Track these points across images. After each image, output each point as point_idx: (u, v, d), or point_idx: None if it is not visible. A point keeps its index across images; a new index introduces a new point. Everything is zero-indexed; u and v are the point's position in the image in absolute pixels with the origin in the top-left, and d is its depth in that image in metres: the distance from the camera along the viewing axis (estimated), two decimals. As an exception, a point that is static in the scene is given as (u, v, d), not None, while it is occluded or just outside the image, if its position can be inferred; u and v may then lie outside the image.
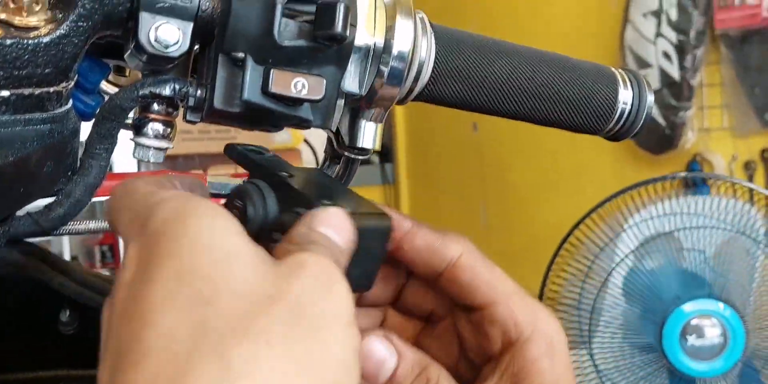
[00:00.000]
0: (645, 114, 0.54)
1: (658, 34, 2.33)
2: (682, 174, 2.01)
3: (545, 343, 0.42)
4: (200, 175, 0.48)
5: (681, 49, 2.27)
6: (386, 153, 3.39)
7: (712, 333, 1.71)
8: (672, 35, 2.29)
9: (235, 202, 0.40)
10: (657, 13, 2.33)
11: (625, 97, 0.54)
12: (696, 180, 2.01)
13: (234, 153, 0.45)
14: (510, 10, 2.90)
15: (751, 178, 2.26)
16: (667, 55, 2.32)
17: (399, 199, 3.59)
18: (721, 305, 1.71)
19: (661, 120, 2.32)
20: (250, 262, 0.32)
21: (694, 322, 1.71)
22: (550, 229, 2.06)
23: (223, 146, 0.46)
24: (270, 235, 0.38)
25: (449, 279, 0.44)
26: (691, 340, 1.71)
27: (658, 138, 2.34)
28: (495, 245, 3.05)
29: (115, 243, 2.21)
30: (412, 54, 0.46)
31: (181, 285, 0.30)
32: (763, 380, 1.76)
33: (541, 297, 1.96)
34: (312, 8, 0.41)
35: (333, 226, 0.36)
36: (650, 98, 0.55)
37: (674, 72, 2.29)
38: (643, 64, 2.38)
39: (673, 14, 2.28)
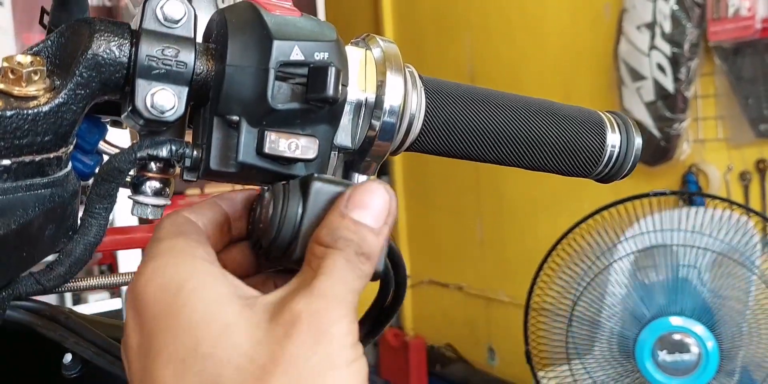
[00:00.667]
0: (634, 156, 0.55)
1: (652, 47, 2.35)
2: (667, 191, 2.01)
3: None
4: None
5: (675, 61, 2.29)
6: (382, 169, 3.40)
7: (686, 350, 1.72)
8: (666, 47, 2.31)
9: (263, 200, 0.42)
10: (651, 26, 2.35)
11: (613, 140, 0.55)
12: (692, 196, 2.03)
13: None
14: (504, 24, 2.91)
15: (746, 189, 2.27)
16: (661, 68, 2.33)
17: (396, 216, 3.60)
18: (699, 326, 1.72)
19: (656, 132, 2.33)
20: (245, 331, 0.33)
21: (669, 337, 1.73)
22: (545, 243, 2.08)
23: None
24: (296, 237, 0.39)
25: None
26: (663, 355, 1.72)
27: (654, 150, 2.35)
28: (490, 259, 3.07)
29: (114, 262, 2.22)
30: (403, 108, 0.47)
31: (187, 365, 0.32)
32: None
33: (527, 306, 1.99)
34: (304, 71, 0.42)
35: (368, 207, 0.38)
36: (638, 141, 0.56)
37: (668, 84, 2.31)
38: (638, 76, 2.39)
39: (667, 27, 2.30)
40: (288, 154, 0.43)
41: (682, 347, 1.72)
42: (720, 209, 1.79)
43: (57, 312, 0.49)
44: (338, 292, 0.35)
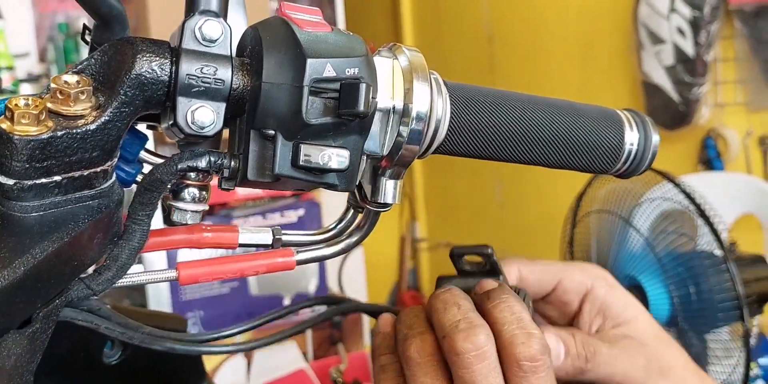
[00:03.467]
0: (652, 153, 0.57)
1: (672, 10, 2.33)
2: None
3: (604, 282, 0.68)
4: (233, 227, 0.52)
5: (695, 25, 2.27)
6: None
7: None
8: (686, 11, 2.29)
9: None
10: (671, -12, 2.33)
11: (631, 138, 0.56)
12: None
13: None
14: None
15: (765, 154, 2.27)
16: (681, 31, 2.32)
17: (413, 179, 3.62)
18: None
19: (675, 96, 2.33)
20: None
21: None
22: (563, 205, 2.09)
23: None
24: None
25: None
26: None
27: (672, 114, 2.35)
28: (509, 221, 3.09)
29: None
30: (430, 114, 0.49)
31: None
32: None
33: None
34: (336, 86, 0.44)
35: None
36: (656, 138, 0.57)
37: (688, 48, 2.30)
38: (657, 40, 2.38)
39: (687, -11, 2.28)
40: (321, 166, 0.45)
41: None
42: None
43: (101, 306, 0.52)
44: None
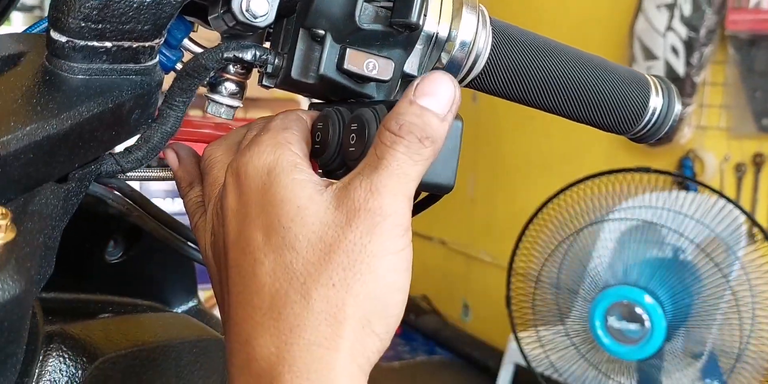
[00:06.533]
0: (672, 120, 0.58)
1: (669, 28, 2.36)
2: (673, 172, 2.05)
3: None
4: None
5: (689, 45, 2.31)
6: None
7: (633, 319, 1.81)
8: (683, 30, 2.32)
9: (318, 124, 0.46)
10: (671, 7, 2.35)
11: (655, 103, 0.58)
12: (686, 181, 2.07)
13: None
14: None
15: (739, 181, 2.31)
16: (674, 50, 2.35)
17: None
18: (650, 297, 1.79)
19: (660, 113, 2.36)
20: (314, 213, 0.40)
21: (618, 305, 1.81)
22: (534, 206, 2.11)
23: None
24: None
25: None
26: (611, 320, 1.81)
27: (655, 130, 2.38)
28: (478, 217, 3.11)
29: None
30: (472, 45, 0.50)
31: (272, 232, 0.41)
32: (662, 377, 1.84)
33: (510, 270, 2.04)
34: None
35: (434, 94, 0.41)
36: (678, 107, 0.59)
37: (680, 67, 2.33)
38: (650, 55, 2.41)
39: (687, 10, 2.31)
40: (365, 73, 0.46)
41: (631, 316, 1.80)
42: (713, 198, 1.83)
43: (125, 186, 0.53)
44: (394, 187, 0.40)
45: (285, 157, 0.42)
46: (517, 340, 2.01)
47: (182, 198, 0.49)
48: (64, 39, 0.40)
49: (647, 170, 1.91)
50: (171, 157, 0.51)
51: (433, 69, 0.50)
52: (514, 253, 2.04)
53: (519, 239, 2.04)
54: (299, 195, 0.41)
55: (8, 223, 0.33)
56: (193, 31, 0.52)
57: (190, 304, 0.68)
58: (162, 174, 0.50)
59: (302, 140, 0.44)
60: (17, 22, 2.41)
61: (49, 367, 0.47)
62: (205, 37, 0.51)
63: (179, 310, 0.67)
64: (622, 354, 1.83)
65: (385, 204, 0.40)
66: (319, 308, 0.39)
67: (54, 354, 0.46)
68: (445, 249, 3.20)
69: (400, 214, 0.40)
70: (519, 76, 0.53)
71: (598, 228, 1.92)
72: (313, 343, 0.38)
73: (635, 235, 1.88)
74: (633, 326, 1.79)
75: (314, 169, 0.48)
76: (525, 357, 2.00)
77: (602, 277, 1.87)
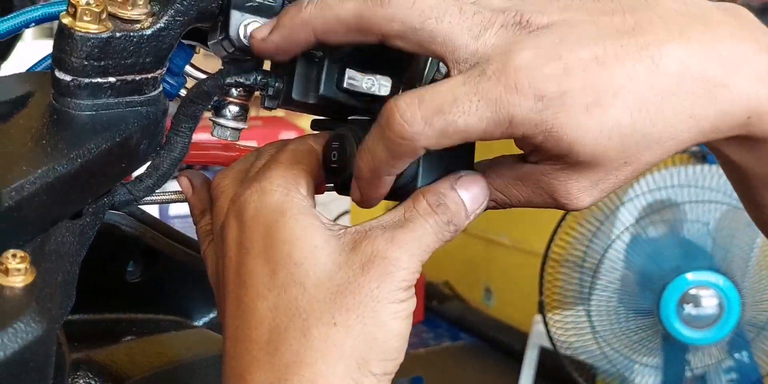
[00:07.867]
0: None
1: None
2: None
3: None
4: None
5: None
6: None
7: (710, 303, 1.78)
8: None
9: (333, 144, 0.46)
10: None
11: None
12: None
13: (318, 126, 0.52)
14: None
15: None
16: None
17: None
18: (720, 278, 1.78)
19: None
20: (329, 254, 0.41)
21: (693, 291, 1.78)
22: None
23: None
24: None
25: None
26: (688, 308, 1.78)
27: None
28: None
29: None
30: None
31: (279, 267, 0.41)
32: (752, 349, 1.83)
33: (546, 254, 2.02)
34: None
35: (472, 193, 0.44)
36: None
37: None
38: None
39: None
40: (364, 90, 0.46)
41: (702, 300, 1.78)
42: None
43: (135, 210, 0.54)
44: (414, 248, 0.42)
45: (296, 203, 0.43)
46: (545, 322, 2.01)
47: (195, 225, 0.51)
48: (68, 78, 0.42)
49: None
50: (185, 184, 0.52)
51: (432, 79, 0.51)
52: (552, 239, 2.02)
53: (558, 225, 2.02)
54: (315, 236, 0.41)
55: (28, 266, 0.35)
56: (195, 53, 0.53)
57: (211, 315, 0.69)
58: (174, 197, 0.51)
59: (311, 177, 0.45)
60: (28, 36, 2.43)
61: (76, 395, 0.48)
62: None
63: (201, 322, 0.68)
64: (695, 340, 1.81)
65: (403, 258, 0.41)
66: (318, 346, 0.40)
67: (81, 381, 0.47)
68: (465, 234, 3.16)
69: (412, 271, 0.41)
70: None
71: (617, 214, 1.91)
72: (308, 381, 0.39)
73: (656, 216, 1.88)
74: (711, 310, 1.79)
75: (322, 184, 0.50)
76: (551, 339, 2.01)
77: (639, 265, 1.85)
